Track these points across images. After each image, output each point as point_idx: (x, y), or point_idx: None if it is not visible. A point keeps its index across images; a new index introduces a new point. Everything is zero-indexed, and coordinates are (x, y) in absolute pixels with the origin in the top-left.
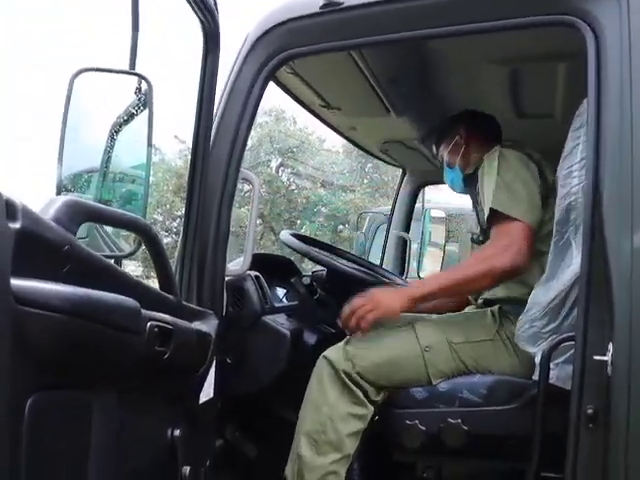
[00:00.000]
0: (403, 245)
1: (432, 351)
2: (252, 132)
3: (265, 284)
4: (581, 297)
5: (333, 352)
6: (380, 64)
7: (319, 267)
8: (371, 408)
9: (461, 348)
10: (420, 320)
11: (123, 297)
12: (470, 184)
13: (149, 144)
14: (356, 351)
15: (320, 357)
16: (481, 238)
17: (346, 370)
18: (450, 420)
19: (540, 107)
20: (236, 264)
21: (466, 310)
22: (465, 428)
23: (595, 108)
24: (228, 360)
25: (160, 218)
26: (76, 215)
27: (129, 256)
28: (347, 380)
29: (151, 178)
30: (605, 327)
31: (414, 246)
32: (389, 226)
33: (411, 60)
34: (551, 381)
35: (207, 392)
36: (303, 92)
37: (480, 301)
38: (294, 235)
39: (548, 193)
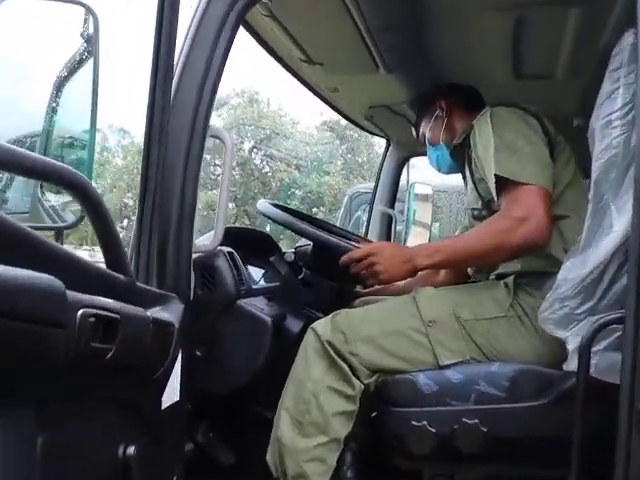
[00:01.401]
0: (388, 222)
1: (436, 326)
2: (224, 114)
3: (240, 262)
4: (632, 268)
5: (321, 323)
6: (374, 10)
7: (303, 242)
8: (360, 387)
9: (471, 326)
10: (422, 291)
11: (36, 274)
12: (459, 157)
13: (94, 95)
14: (347, 322)
15: (308, 329)
16: (484, 213)
17: (332, 342)
18: (466, 420)
19: (542, 66)
20: (205, 239)
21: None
22: (484, 430)
23: None
24: (198, 353)
25: (131, 202)
26: None
27: (70, 227)
28: (333, 353)
29: (120, 161)
30: None
31: (398, 227)
32: (372, 202)
33: (407, 7)
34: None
35: (171, 395)
36: (281, 43)
37: (492, 277)
38: (274, 205)
39: (553, 148)
